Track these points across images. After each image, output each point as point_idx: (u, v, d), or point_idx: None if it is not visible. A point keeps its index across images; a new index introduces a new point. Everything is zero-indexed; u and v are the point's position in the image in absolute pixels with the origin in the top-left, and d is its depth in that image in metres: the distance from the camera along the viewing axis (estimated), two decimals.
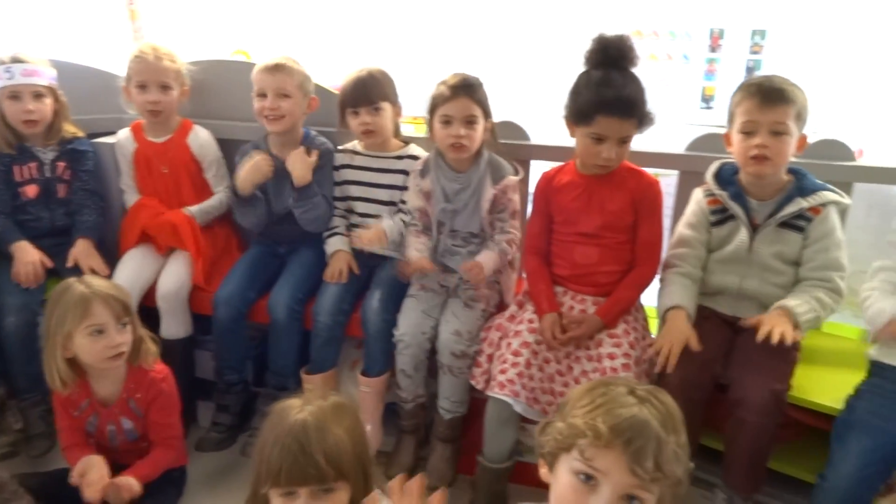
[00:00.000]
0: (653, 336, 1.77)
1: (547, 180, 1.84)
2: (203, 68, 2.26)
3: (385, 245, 1.96)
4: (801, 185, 1.67)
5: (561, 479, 0.99)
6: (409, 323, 1.84)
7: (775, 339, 1.47)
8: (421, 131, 2.11)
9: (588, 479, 0.95)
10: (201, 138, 2.20)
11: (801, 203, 1.63)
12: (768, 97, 1.59)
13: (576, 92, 1.69)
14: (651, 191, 1.74)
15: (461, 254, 1.89)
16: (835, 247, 1.63)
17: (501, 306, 1.93)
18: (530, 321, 1.74)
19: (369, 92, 1.96)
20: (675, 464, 0.94)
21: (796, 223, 1.65)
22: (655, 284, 1.78)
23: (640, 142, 1.98)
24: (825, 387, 1.60)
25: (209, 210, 2.19)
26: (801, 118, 1.62)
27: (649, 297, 2.13)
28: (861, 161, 1.96)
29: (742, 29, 4.90)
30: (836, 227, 1.65)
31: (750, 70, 4.88)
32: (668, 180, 2.10)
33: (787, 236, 1.66)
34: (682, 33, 4.99)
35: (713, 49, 4.95)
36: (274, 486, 1.13)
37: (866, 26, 4.56)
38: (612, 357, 1.63)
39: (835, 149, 1.90)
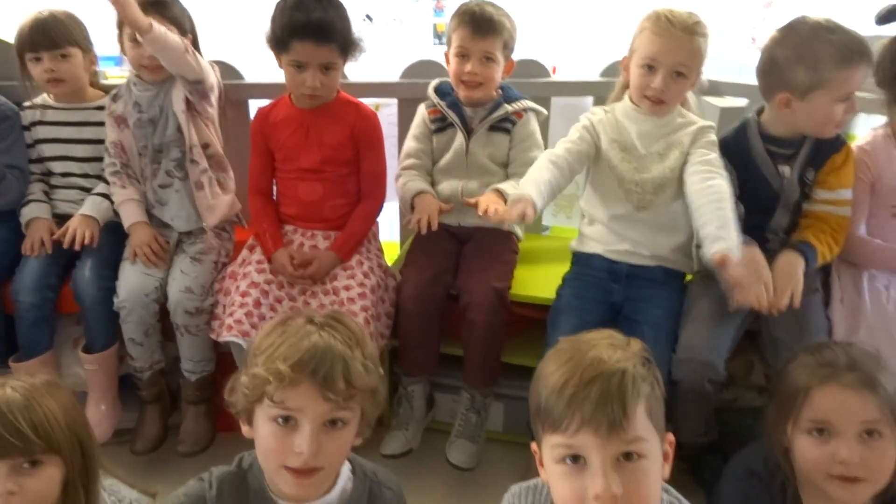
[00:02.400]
0: (389, 265, 1.83)
1: (262, 117, 1.78)
2: None
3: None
4: (506, 95, 1.82)
5: (261, 430, 0.97)
6: (130, 287, 1.68)
7: (490, 212, 1.54)
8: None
9: (286, 421, 0.94)
10: None
11: (507, 108, 1.78)
12: (479, 27, 1.69)
13: (272, 18, 1.64)
14: (369, 122, 1.76)
15: (173, 199, 1.79)
16: (535, 147, 1.80)
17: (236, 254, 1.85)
18: (259, 262, 1.69)
19: (52, 34, 1.74)
20: (367, 376, 0.96)
21: (503, 126, 1.79)
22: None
23: (358, 73, 1.99)
24: (541, 282, 1.76)
25: None
26: (507, 46, 1.76)
27: (387, 231, 2.19)
28: (556, 77, 2.16)
29: None
30: (536, 131, 1.82)
31: None
32: (389, 109, 2.14)
33: (497, 138, 1.79)
34: None
35: None
36: None
37: None
38: (347, 288, 1.65)
39: (532, 68, 2.07)
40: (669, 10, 1.53)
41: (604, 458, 0.86)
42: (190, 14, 1.79)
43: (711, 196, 1.47)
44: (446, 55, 1.78)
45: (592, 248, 1.67)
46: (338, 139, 1.72)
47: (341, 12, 1.65)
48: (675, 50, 1.51)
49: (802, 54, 1.47)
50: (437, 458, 1.72)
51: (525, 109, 1.80)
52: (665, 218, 1.61)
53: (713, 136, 1.60)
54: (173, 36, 1.62)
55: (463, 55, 1.71)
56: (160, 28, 1.58)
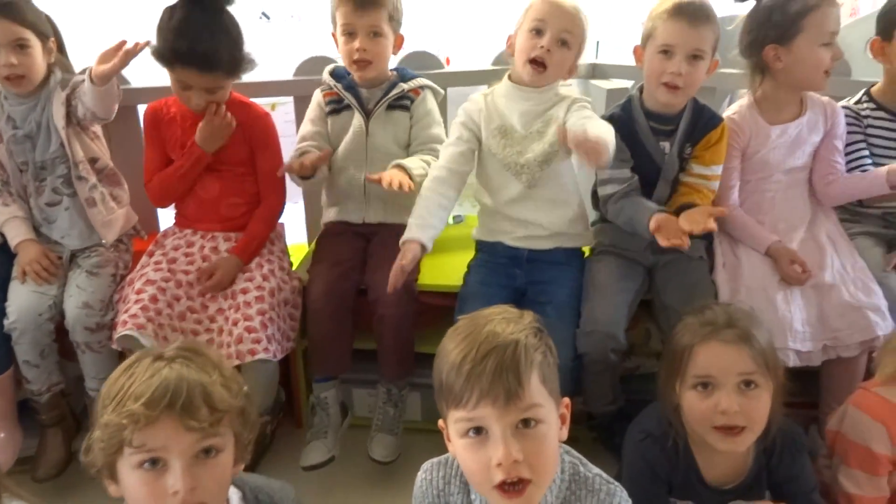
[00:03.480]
0: (293, 268, 1.82)
1: (154, 111, 1.75)
2: None
3: None
4: (402, 75, 1.84)
5: (129, 482, 0.89)
6: (21, 308, 1.60)
7: (395, 185, 1.59)
8: None
9: (154, 464, 0.87)
10: None
11: (403, 86, 1.79)
12: (361, 2, 1.68)
13: (158, 30, 1.59)
14: (261, 123, 1.75)
15: (62, 216, 1.71)
16: (435, 125, 1.82)
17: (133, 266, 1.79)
18: (156, 263, 1.67)
19: None
20: (231, 398, 0.93)
21: (402, 104, 1.80)
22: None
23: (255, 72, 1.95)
24: (450, 270, 1.79)
25: None
26: (394, 19, 1.75)
27: (295, 234, 2.16)
28: (449, 68, 2.19)
29: None
30: (434, 108, 1.84)
31: None
32: (286, 108, 2.12)
33: (397, 116, 1.80)
34: None
35: None
36: None
37: None
38: (245, 292, 1.62)
39: (426, 59, 2.09)
40: None
41: (503, 427, 0.91)
42: (47, 16, 1.69)
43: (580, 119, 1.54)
44: (333, 35, 1.78)
45: (494, 236, 1.71)
46: (230, 140, 1.70)
47: (231, 34, 1.62)
48: (561, 15, 1.56)
49: (777, 3, 1.61)
50: (360, 454, 1.72)
51: (422, 87, 1.82)
52: (557, 191, 1.66)
53: (587, 106, 1.64)
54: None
55: (350, 33, 1.70)
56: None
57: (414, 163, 1.70)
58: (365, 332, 1.74)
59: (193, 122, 1.69)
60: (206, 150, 1.68)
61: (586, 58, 2.20)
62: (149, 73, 1.94)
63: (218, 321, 1.62)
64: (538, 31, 1.57)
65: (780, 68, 1.66)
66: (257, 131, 1.73)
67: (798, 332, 1.52)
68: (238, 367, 1.49)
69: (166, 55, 1.56)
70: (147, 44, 1.56)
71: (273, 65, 2.02)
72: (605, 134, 1.45)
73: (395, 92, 1.78)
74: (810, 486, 1.30)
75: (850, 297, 1.56)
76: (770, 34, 1.64)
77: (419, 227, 1.58)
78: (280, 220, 1.87)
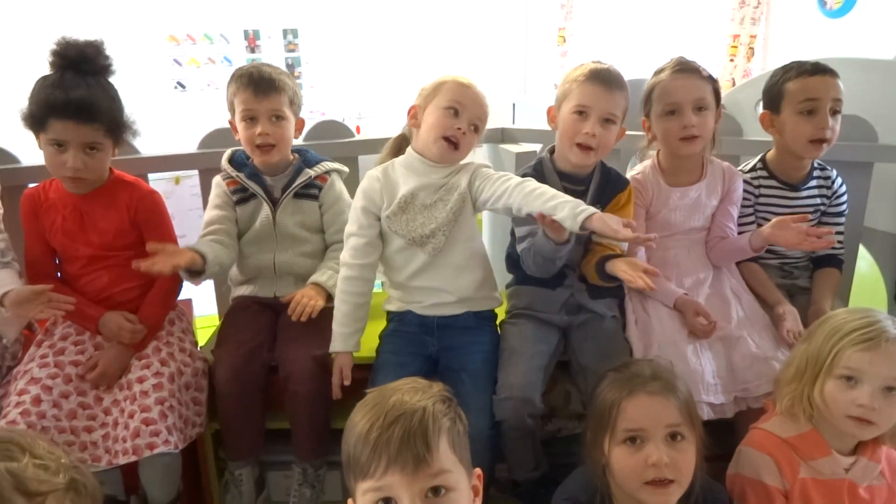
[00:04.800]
0: (197, 347, 1.73)
1: (31, 199, 1.64)
2: None
3: None
4: (305, 159, 1.81)
5: None
6: None
7: (304, 317, 1.61)
8: None
9: None
10: None
11: (309, 173, 1.77)
12: (260, 87, 1.67)
13: (30, 95, 1.52)
14: (148, 202, 1.66)
15: None
16: (347, 208, 1.78)
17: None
18: (42, 357, 1.55)
19: None
20: (49, 476, 0.86)
21: (310, 192, 1.78)
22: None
23: (153, 146, 1.91)
24: (365, 341, 1.73)
25: None
26: (294, 103, 1.75)
27: (203, 306, 2.08)
28: (360, 136, 2.20)
29: (275, 29, 5.13)
30: (343, 191, 1.83)
31: (290, 67, 5.17)
32: (191, 181, 2.07)
33: (305, 205, 1.78)
34: (217, 37, 5.00)
35: (252, 50, 5.09)
36: None
37: (377, 24, 5.20)
38: (141, 381, 1.52)
39: (335, 128, 2.09)
40: (461, 76, 1.61)
41: (412, 496, 0.88)
42: None
43: (519, 188, 1.50)
44: (231, 123, 1.74)
45: (402, 307, 1.68)
46: (115, 224, 1.61)
47: (109, 92, 1.57)
48: (476, 102, 1.58)
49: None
50: None
51: (327, 172, 1.80)
52: (463, 256, 1.63)
53: (490, 167, 1.65)
54: None
55: (250, 118, 1.68)
56: None
57: (325, 273, 1.72)
58: (278, 411, 1.67)
59: (75, 208, 1.60)
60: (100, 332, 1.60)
61: (498, 122, 2.28)
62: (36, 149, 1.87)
63: (113, 413, 1.51)
64: (456, 112, 1.57)
65: (652, 138, 1.76)
66: (145, 211, 1.64)
67: (710, 384, 1.55)
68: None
69: (39, 112, 1.48)
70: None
71: (188, 134, 1.97)
72: None
73: (301, 180, 1.76)
74: None
75: (756, 348, 1.61)
76: (644, 108, 1.75)
77: (343, 338, 1.60)
78: (187, 297, 1.79)
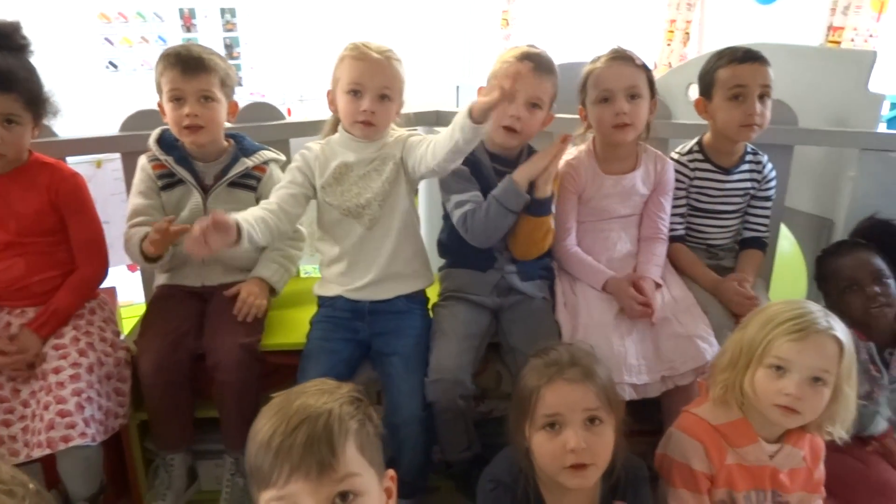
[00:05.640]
0: (122, 336, 1.68)
1: None
2: None
3: None
4: (242, 147, 1.77)
5: None
6: None
7: (250, 317, 1.62)
8: None
9: None
10: None
11: (247, 163, 1.72)
12: (188, 66, 1.61)
13: None
14: (70, 184, 1.59)
15: None
16: None
17: None
18: None
19: None
20: (14, 503, 0.80)
21: (246, 182, 1.73)
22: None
23: (72, 129, 1.83)
24: (294, 328, 1.72)
25: None
26: (226, 84, 1.69)
27: (129, 293, 2.02)
28: (291, 119, 2.15)
29: (212, 7, 4.98)
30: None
31: (228, 47, 5.03)
32: (113, 164, 2.00)
33: (241, 195, 1.73)
34: (151, 15, 4.82)
35: (188, 29, 4.93)
36: None
37: (318, 3, 5.09)
38: (57, 371, 1.46)
39: (266, 111, 2.04)
40: (363, 42, 1.58)
41: (318, 503, 0.85)
42: None
43: (431, 145, 1.53)
44: (160, 105, 1.68)
45: (333, 290, 1.66)
46: (34, 207, 1.54)
47: (24, 64, 1.50)
48: (376, 73, 1.55)
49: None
50: None
51: (266, 162, 1.76)
52: (397, 228, 1.63)
53: (420, 133, 1.66)
54: None
55: (177, 98, 1.62)
56: None
57: (269, 269, 1.71)
58: (207, 400, 1.64)
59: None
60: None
61: (435, 104, 2.27)
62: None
63: (31, 406, 1.46)
64: (356, 93, 1.56)
65: (588, 126, 1.78)
66: (65, 195, 1.57)
67: (633, 366, 1.58)
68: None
69: None
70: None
71: (121, 117, 1.89)
72: None
73: (237, 169, 1.71)
74: None
75: (680, 328, 1.65)
76: (580, 95, 1.75)
77: (242, 219, 1.46)
78: (111, 285, 1.73)
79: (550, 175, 1.60)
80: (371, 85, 1.55)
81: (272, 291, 1.74)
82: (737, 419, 1.37)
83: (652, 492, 1.41)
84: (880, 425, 1.68)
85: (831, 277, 1.71)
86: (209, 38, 4.94)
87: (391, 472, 0.98)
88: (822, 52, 2.54)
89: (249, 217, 1.49)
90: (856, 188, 1.98)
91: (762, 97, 1.74)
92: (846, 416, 1.31)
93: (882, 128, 2.88)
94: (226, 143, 1.75)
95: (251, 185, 1.74)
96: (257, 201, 1.72)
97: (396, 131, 1.68)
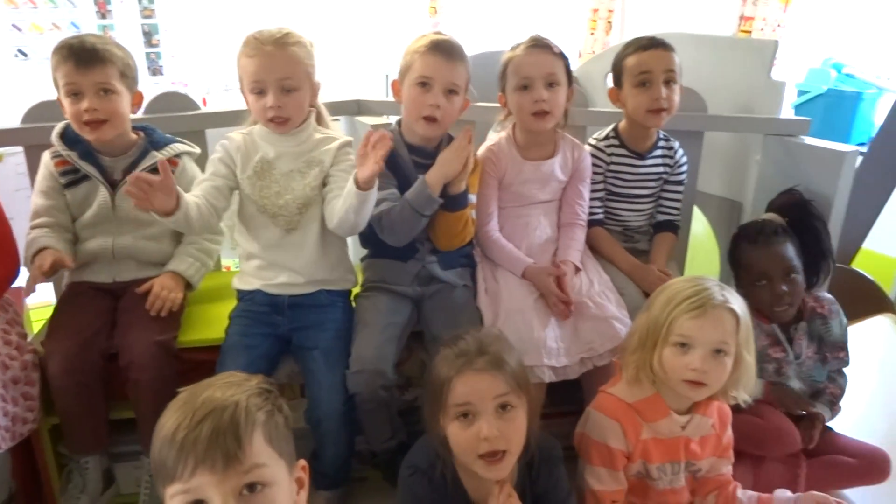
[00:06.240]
0: (30, 338, 1.61)
1: None
2: None
3: None
4: (152, 139, 1.71)
5: None
6: None
7: (164, 311, 1.57)
8: None
9: None
10: None
11: (157, 156, 1.66)
12: (82, 59, 1.55)
13: None
14: None
15: None
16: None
17: None
18: None
19: None
20: None
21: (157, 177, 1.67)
22: None
23: None
24: (213, 323, 1.68)
25: None
26: (127, 76, 1.63)
27: (44, 293, 1.92)
28: (206, 109, 2.10)
29: None
30: (197, 173, 1.73)
31: (147, 34, 4.84)
32: (16, 158, 1.91)
33: None
34: (62, 0, 4.59)
35: (103, 15, 4.71)
36: None
37: None
38: None
39: (179, 100, 1.98)
40: (257, 32, 1.54)
41: (224, 494, 0.86)
42: None
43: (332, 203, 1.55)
44: (59, 101, 1.61)
45: (252, 284, 1.64)
46: None
47: None
48: (275, 66, 1.51)
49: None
50: None
51: (178, 155, 1.71)
52: (316, 238, 1.62)
53: (352, 157, 1.64)
54: None
55: (75, 93, 1.56)
56: None
57: (184, 263, 1.67)
58: (123, 401, 1.59)
59: None
60: None
61: (361, 94, 2.25)
62: None
63: None
64: (261, 91, 1.53)
65: (508, 113, 1.79)
66: None
67: (552, 349, 1.62)
68: None
69: None
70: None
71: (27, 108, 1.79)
72: None
73: (147, 163, 1.65)
74: (564, 495, 1.37)
75: (597, 310, 1.70)
76: (500, 83, 1.77)
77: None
78: (16, 285, 1.65)
79: (465, 173, 1.61)
80: (270, 80, 1.52)
81: (188, 286, 1.70)
82: (650, 395, 1.43)
83: (570, 470, 1.46)
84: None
85: (744, 267, 1.77)
86: (126, 24, 4.74)
87: (302, 462, 0.99)
88: (728, 41, 2.64)
89: (186, 196, 1.46)
90: (761, 172, 2.07)
91: (668, 82, 1.80)
92: (748, 381, 1.39)
93: (791, 114, 3.04)
94: (134, 136, 1.69)
95: None
96: None
97: (328, 134, 1.66)
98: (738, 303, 1.36)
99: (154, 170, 1.65)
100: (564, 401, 1.71)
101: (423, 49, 1.60)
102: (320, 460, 1.61)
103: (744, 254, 1.78)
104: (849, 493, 1.82)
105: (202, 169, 1.71)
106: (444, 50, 1.59)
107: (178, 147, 1.72)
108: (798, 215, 1.80)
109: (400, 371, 1.65)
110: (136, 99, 1.66)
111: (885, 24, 3.38)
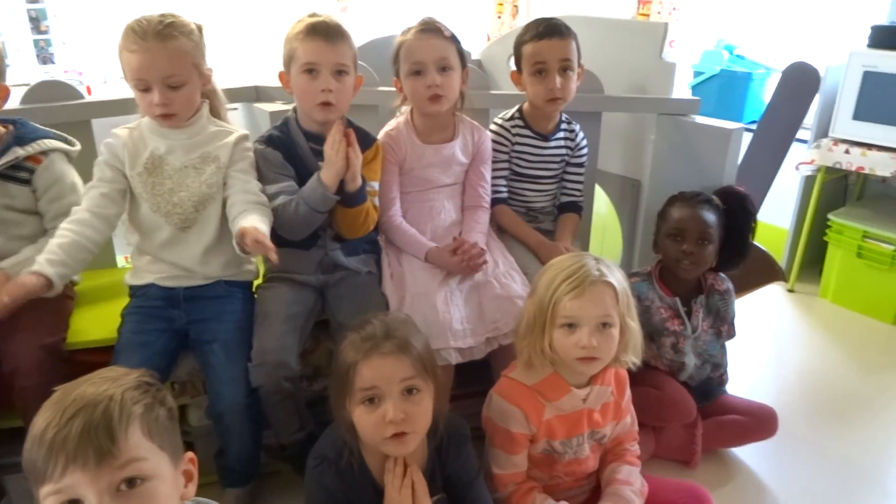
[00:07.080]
0: None
1: None
2: None
3: None
4: (20, 134, 1.59)
5: None
6: None
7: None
8: None
9: None
10: None
11: (19, 152, 1.56)
12: None
13: None
14: None
15: None
16: (70, 192, 1.62)
17: None
18: None
19: None
20: None
21: (18, 175, 1.57)
22: None
23: None
24: (106, 322, 1.60)
25: None
26: None
27: None
28: (91, 97, 1.99)
29: None
30: (66, 172, 1.63)
31: (35, 20, 4.54)
32: None
33: (13, 190, 1.57)
34: None
35: None
36: None
37: None
38: None
39: (60, 89, 1.86)
40: (137, 21, 1.46)
41: (99, 492, 0.83)
42: None
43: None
44: None
45: (145, 278, 1.58)
46: None
47: None
48: (156, 63, 1.44)
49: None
50: None
51: (44, 152, 1.59)
52: (213, 234, 1.58)
53: (251, 152, 1.61)
54: None
55: None
56: None
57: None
58: (11, 409, 1.50)
59: None
60: None
61: (260, 80, 2.17)
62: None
63: None
64: (145, 88, 1.46)
65: (404, 98, 1.78)
66: None
67: (458, 330, 1.63)
68: None
69: None
70: None
71: None
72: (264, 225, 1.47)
73: (5, 160, 1.54)
74: (473, 474, 1.40)
75: (501, 290, 1.72)
76: (393, 67, 1.76)
77: (50, 263, 1.42)
78: None
79: (358, 169, 1.57)
80: (153, 77, 1.45)
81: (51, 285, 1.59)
82: (549, 375, 1.46)
83: (480, 449, 1.49)
84: (688, 369, 1.87)
85: (665, 219, 1.86)
86: (9, 9, 4.43)
87: (190, 454, 0.97)
88: (621, 23, 2.70)
89: (57, 250, 1.42)
90: (656, 150, 2.14)
91: (564, 70, 1.83)
92: (636, 345, 1.45)
93: (688, 94, 3.16)
94: (3, 130, 1.58)
95: (24, 178, 1.57)
96: (34, 195, 1.58)
97: (224, 127, 1.60)
98: (614, 275, 1.41)
99: (13, 167, 1.56)
100: (474, 381, 1.73)
101: (302, 35, 1.55)
102: (226, 456, 1.57)
103: (671, 207, 1.86)
104: (742, 452, 1.94)
105: (87, 165, 1.61)
106: (323, 32, 1.55)
107: (47, 143, 1.60)
108: (733, 206, 1.88)
109: (306, 361, 1.63)
110: (2, 93, 1.55)
111: (771, 7, 3.56)
